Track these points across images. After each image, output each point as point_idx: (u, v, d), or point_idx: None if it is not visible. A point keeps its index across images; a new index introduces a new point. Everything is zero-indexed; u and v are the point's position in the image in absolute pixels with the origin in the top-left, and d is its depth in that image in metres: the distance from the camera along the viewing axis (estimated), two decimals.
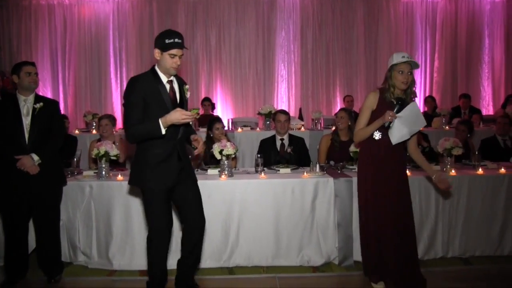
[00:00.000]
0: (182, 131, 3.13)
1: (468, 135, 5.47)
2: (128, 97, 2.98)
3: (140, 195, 3.88)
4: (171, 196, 3.15)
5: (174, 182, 3.10)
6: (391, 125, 3.26)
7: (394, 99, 3.31)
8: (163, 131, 2.88)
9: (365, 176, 3.43)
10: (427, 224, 4.04)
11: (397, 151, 3.37)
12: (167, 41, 2.93)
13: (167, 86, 3.06)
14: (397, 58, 3.30)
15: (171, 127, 2.95)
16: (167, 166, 3.07)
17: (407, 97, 3.35)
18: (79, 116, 8.49)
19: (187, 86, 3.16)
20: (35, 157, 3.46)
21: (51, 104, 3.69)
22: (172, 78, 3.09)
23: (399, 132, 3.27)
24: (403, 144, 3.42)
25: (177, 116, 2.85)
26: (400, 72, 3.28)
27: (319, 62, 9.09)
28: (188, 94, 3.19)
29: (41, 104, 3.55)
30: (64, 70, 8.81)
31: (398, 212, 3.35)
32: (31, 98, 3.57)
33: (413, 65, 3.34)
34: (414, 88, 3.41)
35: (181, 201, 3.21)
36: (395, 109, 3.24)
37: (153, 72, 3.06)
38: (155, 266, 3.15)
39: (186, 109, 3.05)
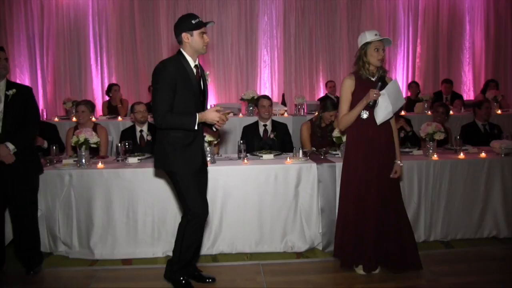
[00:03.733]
0: (205, 107, 3.19)
1: (446, 118, 5.52)
2: (161, 81, 2.95)
3: (121, 182, 3.84)
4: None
5: (199, 166, 3.14)
6: (376, 103, 3.26)
7: (374, 78, 3.35)
8: (196, 127, 2.93)
9: (355, 164, 3.40)
10: (410, 208, 4.07)
11: (385, 130, 3.39)
12: (193, 21, 2.95)
13: (194, 71, 3.05)
14: (370, 36, 3.33)
15: (198, 102, 3.06)
16: (193, 149, 3.08)
17: (379, 74, 3.38)
18: (59, 104, 8.35)
19: (207, 73, 3.15)
20: (11, 146, 3.36)
21: (25, 90, 3.56)
22: (197, 62, 3.08)
23: (383, 110, 3.27)
24: (389, 124, 3.43)
25: (213, 116, 2.92)
26: (376, 50, 3.31)
27: (302, 48, 9.05)
28: (208, 81, 3.19)
29: (14, 90, 3.43)
30: (42, 57, 8.61)
31: (389, 197, 3.40)
32: (2, 84, 3.44)
33: (386, 43, 3.37)
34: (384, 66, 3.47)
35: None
36: (377, 87, 3.24)
37: (181, 56, 3.04)
38: (190, 248, 3.17)
39: (206, 95, 3.17)
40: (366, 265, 3.45)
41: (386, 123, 3.37)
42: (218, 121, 2.94)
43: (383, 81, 3.28)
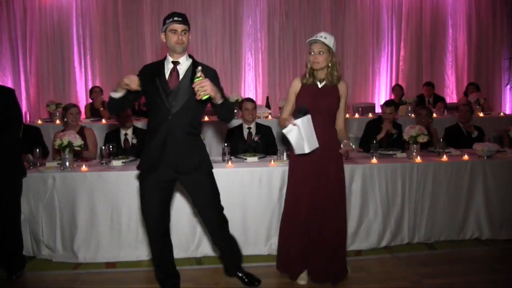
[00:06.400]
0: (181, 105, 2.94)
1: (430, 120, 5.56)
2: None
3: (105, 185, 3.83)
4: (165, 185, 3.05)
5: (154, 166, 2.97)
6: (286, 132, 3.06)
7: (321, 85, 3.26)
8: (113, 94, 2.87)
9: (296, 164, 3.34)
10: (393, 210, 4.11)
11: (328, 136, 3.26)
12: (167, 21, 2.94)
13: (169, 68, 2.99)
14: (309, 41, 3.25)
15: (162, 100, 2.92)
16: (152, 145, 2.96)
17: (332, 80, 3.26)
18: (42, 106, 8.25)
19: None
20: None
21: (6, 92, 3.50)
22: (179, 60, 3.01)
23: (296, 140, 3.06)
24: (332, 126, 3.33)
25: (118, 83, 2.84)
26: (311, 53, 3.23)
27: (286, 51, 9.06)
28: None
29: None
30: (25, 59, 8.49)
31: (329, 204, 3.30)
32: None
33: (328, 43, 3.20)
34: (337, 71, 3.29)
35: (190, 192, 3.16)
36: (296, 116, 3.03)
37: (165, 57, 3.05)
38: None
39: (188, 92, 2.92)
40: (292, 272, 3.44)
41: (329, 126, 3.29)
42: (126, 83, 2.78)
43: (304, 113, 3.04)
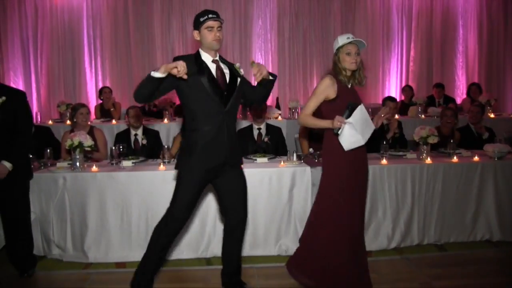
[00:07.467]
0: (231, 102, 3.03)
1: (456, 121, 5.46)
2: None
3: (115, 186, 3.84)
4: (205, 184, 3.09)
5: (216, 164, 3.02)
6: (339, 132, 3.04)
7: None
8: (153, 73, 2.77)
9: (336, 171, 3.27)
10: (403, 211, 4.09)
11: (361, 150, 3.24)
12: (201, 19, 2.97)
13: (213, 66, 3.03)
14: (342, 40, 3.20)
15: (215, 100, 2.95)
16: (213, 145, 2.99)
17: (361, 81, 3.27)
18: (53, 107, 8.31)
19: (237, 64, 3.12)
20: (8, 165, 3.32)
21: (16, 97, 3.43)
22: (217, 57, 3.07)
23: (350, 138, 3.06)
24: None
25: (166, 65, 2.76)
26: (347, 54, 3.19)
27: (296, 51, 9.05)
28: (241, 72, 3.12)
29: (4, 98, 3.29)
30: (36, 59, 8.56)
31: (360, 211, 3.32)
32: None
33: (360, 46, 3.23)
34: (364, 72, 3.30)
35: (223, 191, 3.16)
36: (345, 114, 3.02)
37: (196, 54, 3.07)
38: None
39: (233, 92, 3.04)
40: None
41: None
42: (172, 68, 2.74)
43: (352, 109, 3.03)
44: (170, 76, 2.78)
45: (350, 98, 3.16)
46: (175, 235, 3.12)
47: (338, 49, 3.22)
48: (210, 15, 2.96)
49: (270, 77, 3.08)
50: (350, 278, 3.19)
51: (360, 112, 3.05)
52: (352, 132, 3.04)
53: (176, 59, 2.90)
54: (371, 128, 3.16)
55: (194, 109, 2.99)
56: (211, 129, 2.97)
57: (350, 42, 3.19)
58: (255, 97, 3.23)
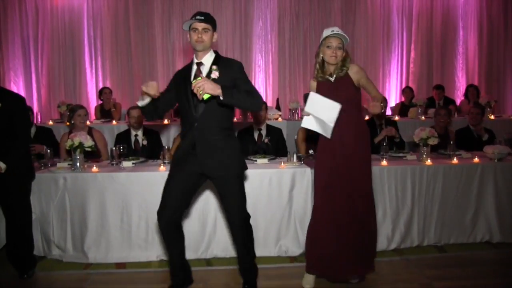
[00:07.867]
0: (205, 108, 2.93)
1: (449, 120, 5.48)
2: None
3: (116, 186, 3.84)
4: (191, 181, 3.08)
5: (191, 170, 3.02)
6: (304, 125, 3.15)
7: (333, 78, 3.24)
8: (139, 103, 3.02)
9: (323, 160, 3.32)
10: (403, 212, 4.09)
11: (354, 127, 3.24)
12: (189, 20, 2.97)
13: (194, 68, 3.03)
14: (326, 32, 3.23)
15: (187, 104, 2.96)
16: (186, 149, 3.02)
17: (341, 71, 3.24)
18: (53, 107, 8.31)
19: (214, 67, 2.94)
20: (2, 165, 3.31)
21: (12, 102, 3.40)
22: (203, 60, 3.01)
23: (316, 125, 3.12)
24: (355, 115, 3.28)
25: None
26: (328, 47, 3.21)
27: (296, 52, 9.05)
28: (213, 75, 2.91)
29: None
30: (37, 60, 8.56)
31: (356, 197, 3.27)
32: None
33: (344, 41, 3.23)
34: (346, 65, 3.26)
35: (218, 193, 3.21)
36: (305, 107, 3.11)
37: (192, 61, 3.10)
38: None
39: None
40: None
41: (347, 118, 3.18)
42: (145, 91, 2.89)
43: (305, 98, 3.11)
44: (162, 93, 2.96)
45: (325, 93, 3.15)
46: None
47: (321, 41, 3.27)
48: (197, 17, 2.96)
49: (222, 97, 2.72)
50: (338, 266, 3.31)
51: (311, 99, 3.10)
52: (314, 120, 3.10)
53: (177, 72, 3.19)
54: (333, 108, 3.04)
55: (180, 112, 3.12)
56: (186, 133, 3.02)
57: (332, 36, 3.20)
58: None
